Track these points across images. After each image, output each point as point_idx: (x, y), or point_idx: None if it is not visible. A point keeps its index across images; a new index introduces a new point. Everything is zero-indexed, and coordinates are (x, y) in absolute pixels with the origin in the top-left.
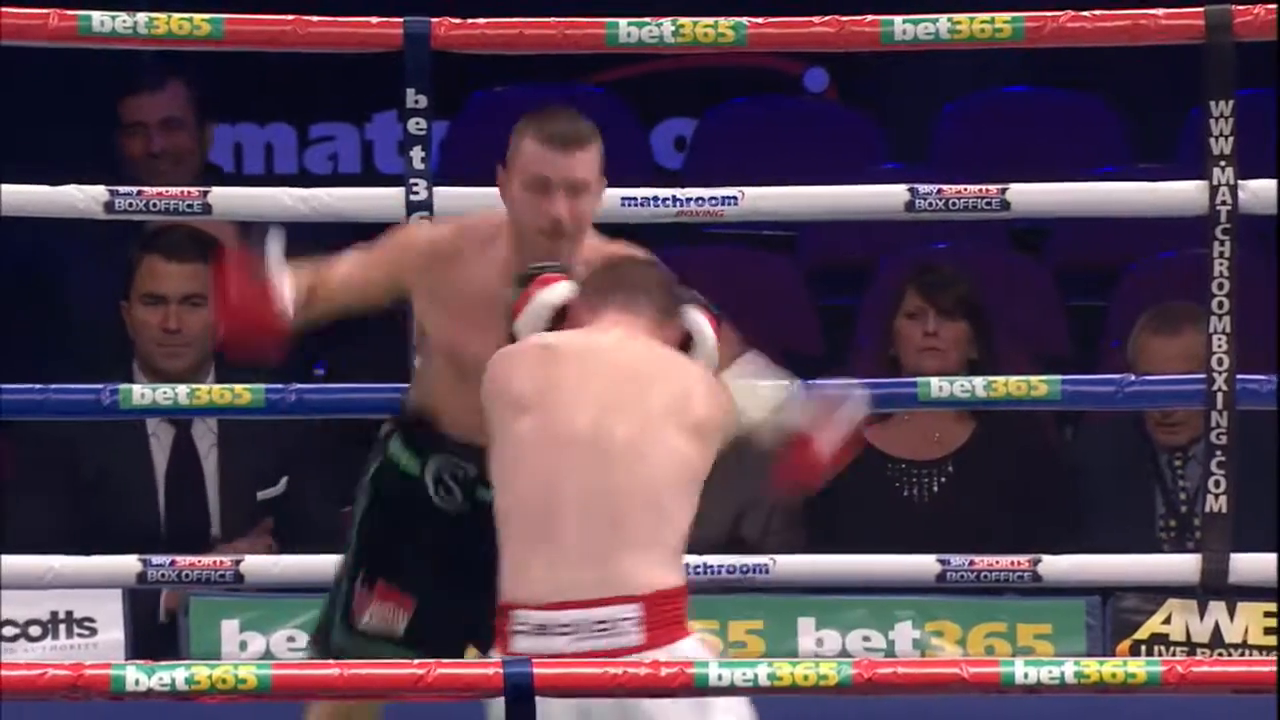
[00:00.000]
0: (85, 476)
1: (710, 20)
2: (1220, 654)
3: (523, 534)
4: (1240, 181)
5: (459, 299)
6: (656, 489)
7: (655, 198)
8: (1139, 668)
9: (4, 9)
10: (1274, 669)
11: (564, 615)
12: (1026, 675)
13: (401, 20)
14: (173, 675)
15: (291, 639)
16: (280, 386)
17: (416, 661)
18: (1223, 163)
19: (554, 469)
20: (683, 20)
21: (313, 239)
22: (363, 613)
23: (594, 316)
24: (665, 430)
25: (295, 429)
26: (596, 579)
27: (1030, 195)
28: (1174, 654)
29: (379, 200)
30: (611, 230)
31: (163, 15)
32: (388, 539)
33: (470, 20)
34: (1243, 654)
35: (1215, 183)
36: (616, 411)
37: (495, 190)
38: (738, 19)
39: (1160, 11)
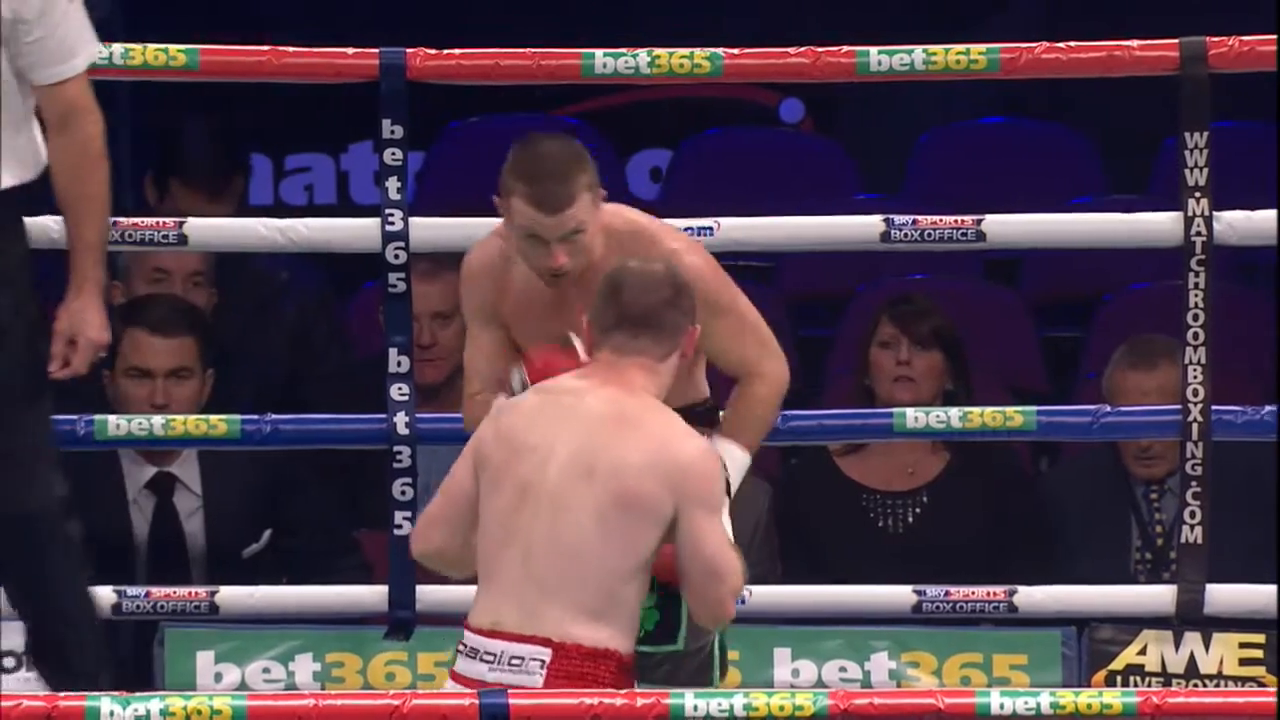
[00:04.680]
0: None
1: (686, 51)
2: (1195, 685)
3: (482, 565)
4: (1215, 213)
5: (513, 305)
6: (577, 545)
7: None
8: (1115, 698)
9: None
10: (1247, 700)
11: (492, 644)
12: (1003, 706)
13: (377, 51)
14: (148, 706)
15: (267, 670)
16: (255, 418)
17: (392, 693)
18: (1197, 194)
19: (504, 511)
20: (658, 51)
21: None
22: None
23: (595, 352)
24: (594, 490)
25: (278, 475)
26: (523, 616)
27: (1005, 226)
28: (1149, 685)
29: (355, 231)
30: None
31: (138, 46)
32: None
33: (446, 51)
34: (1218, 685)
35: (1190, 214)
36: (557, 466)
37: (471, 221)
38: (714, 50)
39: (1135, 43)
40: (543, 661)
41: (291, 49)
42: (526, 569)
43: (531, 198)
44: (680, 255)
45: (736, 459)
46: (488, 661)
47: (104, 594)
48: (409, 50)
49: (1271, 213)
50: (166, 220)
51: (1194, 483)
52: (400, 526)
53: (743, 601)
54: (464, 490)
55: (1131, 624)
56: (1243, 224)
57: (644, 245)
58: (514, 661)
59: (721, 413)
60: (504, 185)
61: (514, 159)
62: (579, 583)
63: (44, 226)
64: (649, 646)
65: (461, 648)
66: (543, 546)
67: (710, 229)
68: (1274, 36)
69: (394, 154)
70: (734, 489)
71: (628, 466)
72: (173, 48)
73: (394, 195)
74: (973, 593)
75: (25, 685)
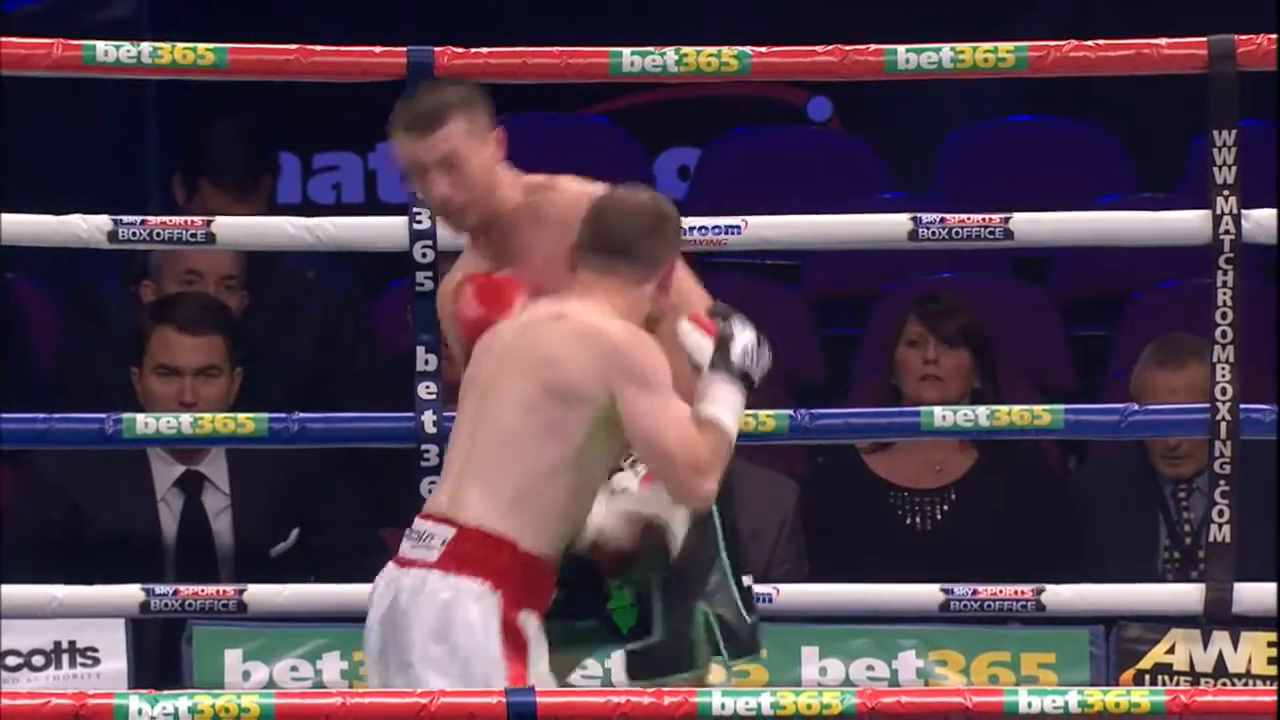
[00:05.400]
0: (92, 543)
1: (714, 49)
2: (1224, 684)
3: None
4: (1244, 211)
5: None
6: (503, 432)
7: None
8: (1143, 697)
9: (6, 39)
10: (1277, 699)
11: (421, 523)
12: (1030, 704)
13: (405, 49)
14: (176, 705)
15: (294, 668)
16: (283, 416)
17: (419, 691)
18: (1226, 192)
19: (467, 407)
20: (686, 49)
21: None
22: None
23: (577, 272)
24: (522, 382)
25: (305, 474)
26: (449, 500)
27: (1033, 225)
28: (1178, 684)
29: (383, 230)
30: None
31: (166, 45)
32: None
33: (473, 49)
34: (1246, 684)
35: (1219, 212)
36: (493, 360)
37: None
38: (742, 48)
39: (1164, 41)
40: (444, 540)
41: (319, 48)
42: (467, 458)
43: (402, 127)
44: (582, 190)
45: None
46: (411, 540)
47: (132, 592)
48: (436, 49)
49: None
50: (195, 219)
51: (1222, 481)
52: None
53: (769, 600)
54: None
55: (1159, 623)
56: (1271, 222)
57: (543, 192)
58: (427, 539)
59: None
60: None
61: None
62: (503, 471)
63: (71, 225)
64: (634, 644)
65: (407, 531)
66: (481, 436)
67: (738, 227)
68: None
69: None
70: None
71: (554, 354)
72: (201, 46)
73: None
74: (1000, 591)
75: (54, 683)
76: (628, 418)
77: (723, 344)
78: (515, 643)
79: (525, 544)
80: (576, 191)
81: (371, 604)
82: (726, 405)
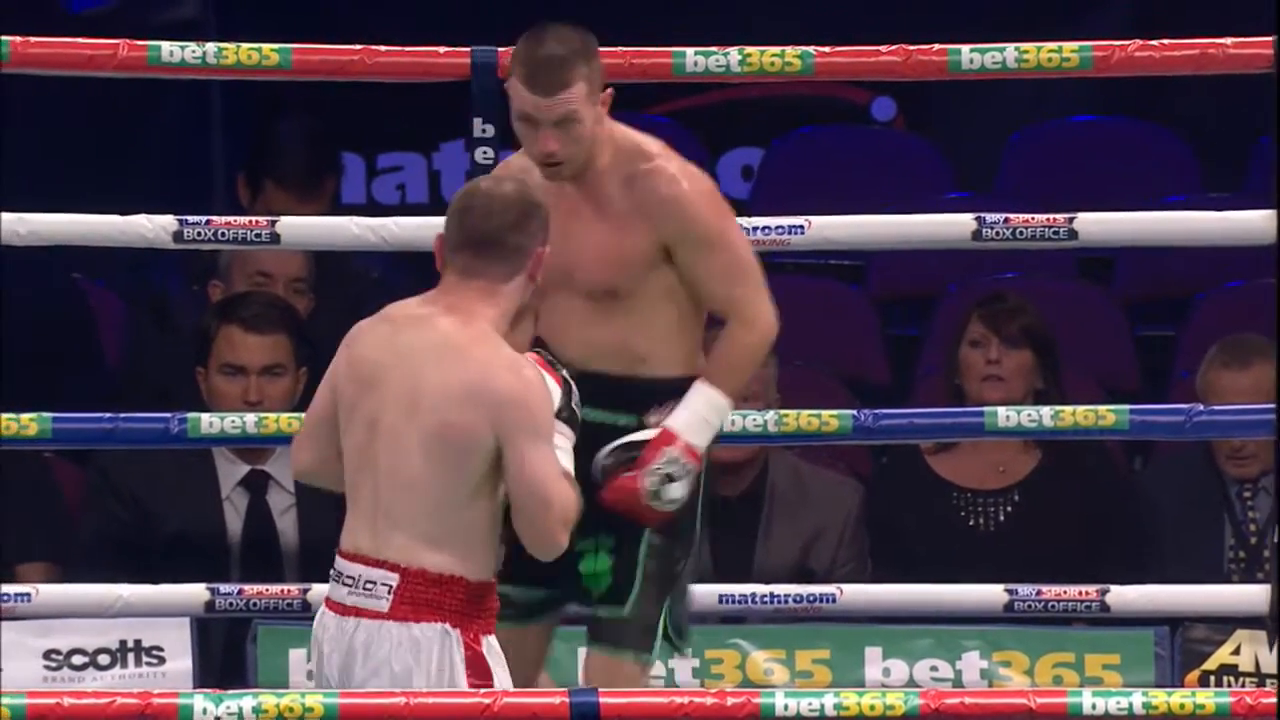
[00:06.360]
0: (158, 542)
1: (777, 49)
2: None
3: (347, 492)
4: None
5: None
6: (409, 476)
7: None
8: (1208, 698)
9: (73, 39)
10: (1277, 699)
11: (352, 567)
12: (1095, 706)
13: (469, 50)
14: (240, 704)
15: None
16: None
17: (482, 691)
18: None
19: (358, 444)
20: (750, 49)
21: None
22: None
23: (444, 270)
24: (418, 424)
25: None
26: (375, 541)
27: (1098, 225)
28: (1243, 685)
29: None
30: None
31: (231, 46)
32: None
33: None
34: None
35: None
36: (392, 401)
37: None
38: (805, 48)
39: (1229, 40)
40: (390, 586)
41: (383, 48)
42: (375, 498)
43: (526, 79)
44: (677, 181)
45: (718, 406)
46: (348, 585)
47: (197, 591)
48: (501, 49)
49: None
50: (259, 219)
51: None
52: None
53: (833, 600)
54: (321, 413)
55: (1225, 624)
56: None
57: (642, 164)
58: (367, 586)
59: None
60: (507, 69)
61: (518, 45)
62: (417, 513)
63: (136, 225)
64: (601, 609)
65: (333, 573)
66: (386, 478)
67: (801, 227)
68: None
69: (485, 153)
70: (712, 432)
71: (447, 399)
72: (265, 47)
73: None
74: (1065, 592)
75: (120, 682)
76: (513, 465)
77: (566, 392)
78: (480, 672)
79: (467, 575)
80: (667, 189)
81: (317, 654)
82: (569, 455)
